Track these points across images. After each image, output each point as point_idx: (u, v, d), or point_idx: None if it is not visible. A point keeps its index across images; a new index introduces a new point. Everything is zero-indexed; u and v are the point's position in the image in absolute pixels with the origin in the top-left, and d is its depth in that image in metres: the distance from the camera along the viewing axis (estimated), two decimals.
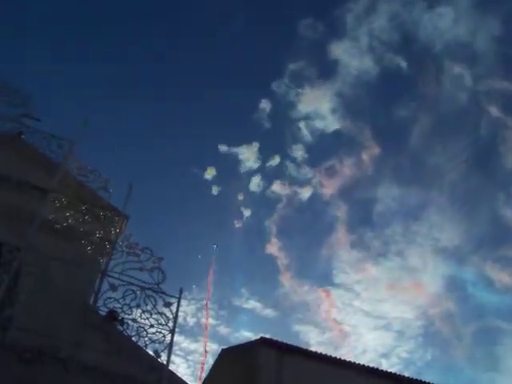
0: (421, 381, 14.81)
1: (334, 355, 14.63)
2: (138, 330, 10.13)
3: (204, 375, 20.81)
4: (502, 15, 41.56)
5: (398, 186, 45.48)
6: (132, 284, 10.46)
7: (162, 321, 10.36)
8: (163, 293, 10.67)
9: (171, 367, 10.18)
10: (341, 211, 44.02)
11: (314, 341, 39.98)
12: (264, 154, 43.77)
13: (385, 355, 39.87)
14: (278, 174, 45.38)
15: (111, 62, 46.82)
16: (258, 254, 46.08)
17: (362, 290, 42.12)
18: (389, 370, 15.33)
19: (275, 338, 14.41)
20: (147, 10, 49.84)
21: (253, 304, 41.29)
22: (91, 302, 10.45)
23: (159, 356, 9.95)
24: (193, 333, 41.21)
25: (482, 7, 42.27)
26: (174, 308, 10.63)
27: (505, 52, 42.53)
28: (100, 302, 10.22)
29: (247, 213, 43.15)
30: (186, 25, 50.34)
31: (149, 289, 10.53)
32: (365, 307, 41.42)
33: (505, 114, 41.51)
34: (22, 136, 12.10)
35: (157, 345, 10.10)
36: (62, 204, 11.12)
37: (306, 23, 44.34)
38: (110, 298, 10.24)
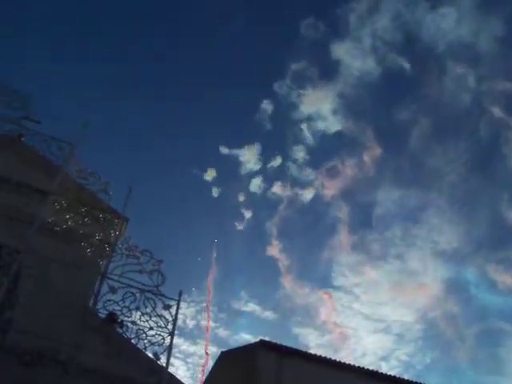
0: (420, 383, 14.83)
1: (333, 358, 14.69)
2: (137, 333, 10.13)
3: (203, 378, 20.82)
4: (505, 16, 41.63)
5: (399, 187, 45.63)
6: (131, 286, 10.45)
7: (162, 323, 10.36)
8: (162, 295, 10.67)
9: (170, 370, 10.21)
10: (342, 212, 44.02)
11: (314, 343, 39.99)
12: (265, 155, 43.87)
13: (384, 358, 39.90)
14: (280, 175, 45.48)
15: (111, 61, 46.90)
16: (259, 256, 46.11)
17: (362, 293, 42.18)
18: (388, 373, 15.35)
19: (274, 341, 14.44)
20: (147, 10, 49.94)
21: (252, 307, 41.32)
22: (91, 305, 10.44)
23: (158, 358, 9.95)
24: (192, 335, 41.29)
25: (484, 8, 42.29)
26: (173, 310, 10.63)
27: (507, 53, 42.71)
28: (99, 305, 10.22)
29: (248, 214, 43.16)
30: (186, 25, 50.43)
31: (148, 291, 10.53)
32: (364, 310, 41.47)
33: (508, 115, 41.52)
34: (22, 138, 12.11)
35: (156, 347, 10.11)
36: (62, 206, 11.14)
37: (307, 23, 44.28)
38: (109, 300, 10.23)
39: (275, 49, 52.24)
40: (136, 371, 9.63)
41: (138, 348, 10.04)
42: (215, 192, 42.57)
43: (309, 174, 44.86)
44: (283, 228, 45.59)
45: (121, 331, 10.14)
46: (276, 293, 45.71)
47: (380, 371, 15.10)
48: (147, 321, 10.28)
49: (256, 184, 43.48)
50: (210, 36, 49.45)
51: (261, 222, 45.20)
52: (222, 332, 40.45)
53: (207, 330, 34.61)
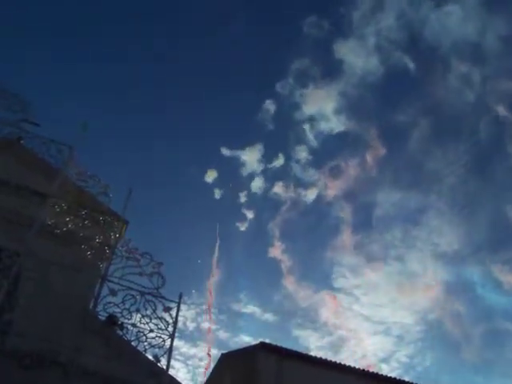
0: None
1: (333, 360, 14.66)
2: (137, 335, 10.13)
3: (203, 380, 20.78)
4: (510, 14, 41.41)
5: (400, 189, 45.54)
6: (132, 289, 10.46)
7: (162, 325, 10.37)
8: (163, 297, 10.68)
9: (171, 372, 10.21)
10: (345, 213, 43.83)
11: (314, 345, 39.91)
12: (268, 156, 43.71)
13: (385, 360, 39.84)
14: (282, 175, 45.29)
15: (111, 62, 46.69)
16: (261, 257, 45.91)
17: (362, 295, 42.12)
18: (388, 375, 15.34)
19: (275, 343, 14.43)
20: (147, 10, 49.74)
21: (252, 308, 41.27)
22: (91, 307, 10.44)
23: (159, 361, 9.95)
24: (192, 337, 41.16)
25: (489, 6, 41.60)
26: (173, 313, 10.64)
27: None
28: (100, 307, 10.22)
29: (250, 215, 42.93)
30: (186, 25, 50.24)
31: (148, 294, 10.54)
32: (365, 312, 41.42)
33: None
34: (22, 141, 12.11)
35: (156, 349, 10.13)
36: (62, 209, 11.14)
37: (310, 21, 43.82)
38: (109, 302, 10.25)
39: (277, 48, 52.15)
40: (136, 373, 9.62)
41: (139, 350, 10.04)
42: (217, 194, 42.44)
43: (312, 174, 44.66)
44: (285, 229, 45.36)
45: (121, 333, 10.13)
46: (277, 294, 45.62)
47: (380, 373, 15.11)
48: (147, 323, 10.29)
49: (258, 185, 43.41)
50: (210, 36, 49.31)
51: (263, 223, 44.96)
52: (223, 334, 40.45)
53: (209, 332, 34.57)
